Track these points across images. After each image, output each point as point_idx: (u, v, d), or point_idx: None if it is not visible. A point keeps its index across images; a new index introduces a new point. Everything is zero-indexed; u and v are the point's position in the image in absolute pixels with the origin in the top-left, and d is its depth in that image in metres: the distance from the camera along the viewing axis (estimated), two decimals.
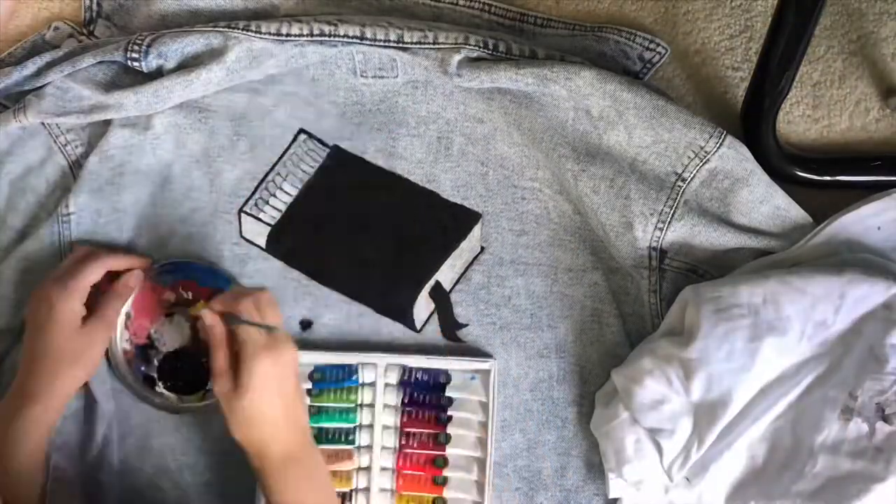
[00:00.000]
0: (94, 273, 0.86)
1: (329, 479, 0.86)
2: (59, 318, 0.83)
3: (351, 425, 0.91)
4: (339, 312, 0.94)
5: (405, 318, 0.93)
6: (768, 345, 0.83)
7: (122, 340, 0.92)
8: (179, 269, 0.93)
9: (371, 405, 0.92)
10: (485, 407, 0.92)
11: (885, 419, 0.82)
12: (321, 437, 0.91)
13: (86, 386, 0.91)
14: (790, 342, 0.84)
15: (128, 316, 0.92)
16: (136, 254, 0.92)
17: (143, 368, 0.92)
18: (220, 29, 0.91)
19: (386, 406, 0.92)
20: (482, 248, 0.94)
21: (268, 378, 0.79)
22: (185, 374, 0.92)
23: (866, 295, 0.84)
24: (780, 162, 0.93)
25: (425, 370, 0.92)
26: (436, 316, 0.94)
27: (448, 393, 0.92)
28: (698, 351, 0.84)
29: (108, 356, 0.92)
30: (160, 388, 0.92)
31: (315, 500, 0.83)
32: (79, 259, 0.87)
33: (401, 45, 0.91)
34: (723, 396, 0.84)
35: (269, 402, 0.80)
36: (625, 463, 0.87)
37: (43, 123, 0.92)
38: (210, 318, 0.82)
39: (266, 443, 0.80)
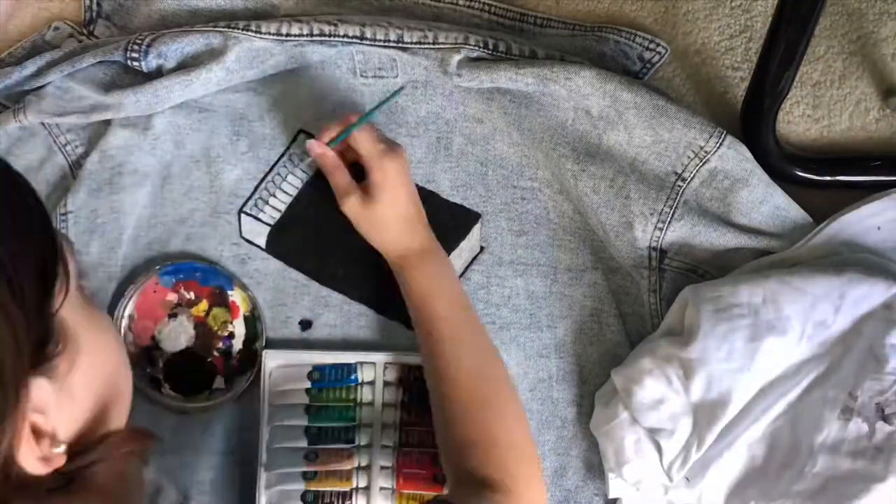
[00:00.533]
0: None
1: (454, 272, 0.91)
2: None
3: (350, 424, 0.91)
4: (339, 312, 0.94)
5: (405, 317, 0.93)
6: (768, 345, 0.83)
7: (125, 343, 0.92)
8: (181, 269, 0.93)
9: (370, 404, 0.92)
10: None
11: (885, 419, 0.82)
12: (321, 436, 0.91)
13: None
14: (790, 342, 0.84)
15: (131, 318, 0.92)
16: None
17: (147, 370, 0.92)
18: (220, 29, 0.91)
19: (385, 405, 0.92)
20: (482, 248, 0.94)
21: (398, 177, 0.86)
22: (190, 374, 0.92)
23: (866, 295, 0.83)
24: (780, 162, 0.93)
25: None
26: None
27: None
28: (698, 351, 0.84)
29: None
30: (166, 389, 0.92)
31: (446, 285, 0.88)
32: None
33: (401, 45, 0.91)
34: (722, 396, 0.84)
35: (404, 200, 0.87)
36: (625, 463, 0.87)
37: (43, 123, 0.92)
38: (316, 147, 0.88)
39: (406, 240, 0.87)
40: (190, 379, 0.92)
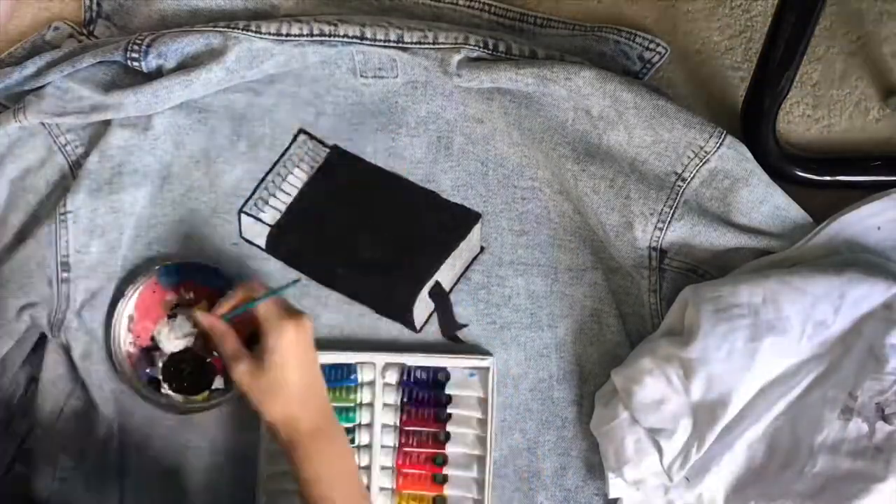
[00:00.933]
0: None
1: (352, 452, 0.86)
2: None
3: (350, 424, 0.91)
4: (338, 312, 0.94)
5: (405, 318, 0.93)
6: (768, 344, 0.83)
7: (125, 343, 0.92)
8: (180, 270, 0.93)
9: (370, 404, 0.92)
10: (484, 404, 0.92)
11: (885, 419, 0.82)
12: None
13: (85, 389, 0.92)
14: (790, 342, 0.84)
15: (130, 318, 0.92)
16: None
17: (147, 371, 0.92)
18: (220, 29, 0.91)
19: (385, 405, 0.92)
20: (482, 248, 0.94)
21: (292, 346, 0.80)
22: (189, 374, 0.92)
23: (866, 295, 0.83)
24: (780, 162, 0.93)
25: (424, 368, 0.92)
26: (436, 316, 0.94)
27: (447, 391, 0.92)
28: (698, 350, 0.84)
29: (112, 359, 0.92)
30: (165, 389, 0.92)
31: (342, 471, 0.83)
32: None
33: (401, 45, 0.91)
34: (722, 396, 0.84)
35: (296, 372, 0.80)
36: (625, 463, 0.87)
37: (43, 123, 0.92)
38: (203, 318, 0.84)
39: (296, 415, 0.80)
40: (190, 379, 0.92)
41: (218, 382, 0.92)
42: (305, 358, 0.81)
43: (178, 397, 0.92)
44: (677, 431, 0.85)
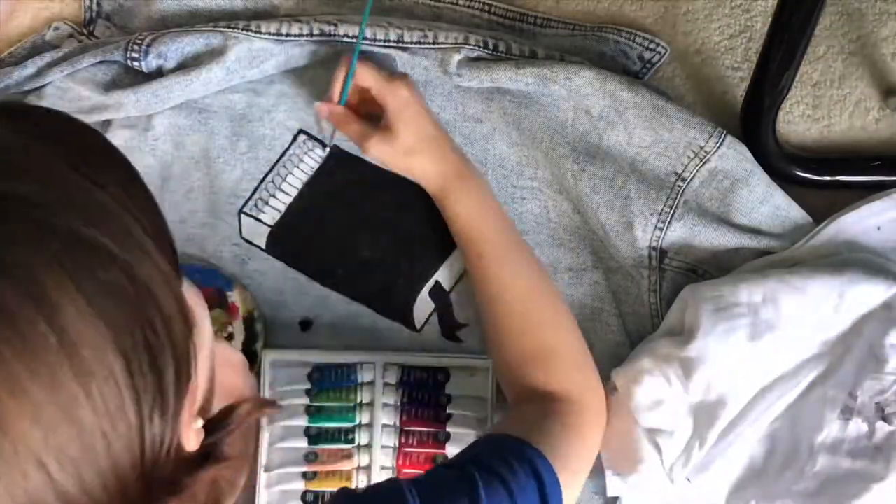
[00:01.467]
0: None
1: (492, 189, 0.90)
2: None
3: (350, 425, 0.91)
4: (339, 312, 0.94)
5: (405, 318, 0.93)
6: (768, 344, 0.83)
7: None
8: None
9: (370, 404, 0.91)
10: (484, 404, 0.92)
11: (885, 419, 0.82)
12: (321, 436, 0.91)
13: None
14: (790, 342, 0.84)
15: None
16: None
17: None
18: (220, 29, 0.91)
19: (385, 405, 0.92)
20: None
21: (412, 101, 0.85)
22: None
23: (866, 295, 0.83)
24: (780, 162, 0.93)
25: (424, 368, 0.92)
26: (436, 316, 0.94)
27: (447, 391, 0.92)
28: (697, 350, 0.84)
29: None
30: None
31: (492, 206, 0.88)
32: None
33: (401, 45, 0.91)
34: (722, 396, 0.84)
35: (424, 122, 0.86)
36: (625, 464, 0.87)
37: None
38: (323, 107, 0.88)
39: (440, 164, 0.86)
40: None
41: None
42: (424, 111, 0.86)
43: None
44: (677, 432, 0.85)
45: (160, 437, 0.44)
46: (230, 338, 0.92)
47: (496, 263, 0.85)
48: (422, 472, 0.90)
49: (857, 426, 0.83)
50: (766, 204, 0.91)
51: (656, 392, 0.85)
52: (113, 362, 0.41)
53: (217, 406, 0.55)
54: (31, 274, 0.39)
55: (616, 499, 0.91)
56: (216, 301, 0.92)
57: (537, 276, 0.86)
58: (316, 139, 0.95)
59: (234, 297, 0.92)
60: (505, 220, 0.88)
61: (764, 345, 0.83)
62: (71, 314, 0.40)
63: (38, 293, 0.39)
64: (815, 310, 0.83)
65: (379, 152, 0.86)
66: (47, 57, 0.92)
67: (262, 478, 0.89)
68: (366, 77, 0.86)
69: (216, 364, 0.55)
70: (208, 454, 0.50)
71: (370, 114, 0.89)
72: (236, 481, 0.54)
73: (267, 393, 0.91)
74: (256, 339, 0.92)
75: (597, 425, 0.82)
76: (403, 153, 0.86)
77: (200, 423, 0.51)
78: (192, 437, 0.49)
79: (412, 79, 0.88)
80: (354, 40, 0.91)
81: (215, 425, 0.52)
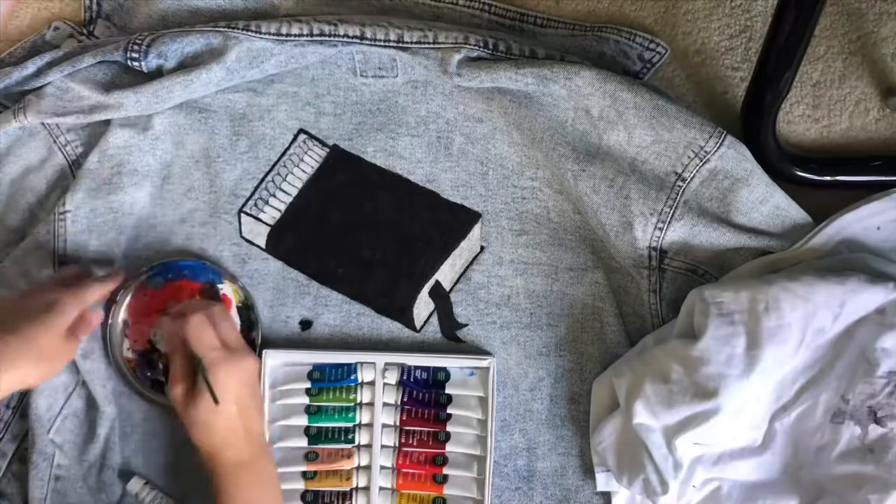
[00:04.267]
0: (97, 293, 0.87)
1: (279, 488, 0.88)
2: (57, 320, 0.83)
3: (350, 424, 0.91)
4: (339, 312, 0.94)
5: (405, 318, 0.94)
6: (768, 353, 0.83)
7: (123, 349, 0.92)
8: (168, 269, 0.93)
9: (370, 404, 0.92)
10: (484, 404, 0.92)
11: (878, 421, 0.82)
12: (321, 436, 0.91)
13: (86, 388, 0.92)
14: (789, 349, 0.83)
15: (125, 323, 0.92)
16: (113, 274, 0.91)
17: (148, 374, 0.92)
18: (220, 29, 0.91)
19: (385, 405, 0.92)
20: (482, 248, 0.94)
21: (221, 388, 0.82)
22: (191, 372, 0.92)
23: (864, 302, 0.83)
24: (780, 162, 0.93)
25: (424, 368, 0.92)
26: (436, 316, 0.94)
27: (447, 390, 0.92)
28: (700, 350, 0.84)
29: (116, 364, 0.92)
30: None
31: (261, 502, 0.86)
32: (82, 275, 0.89)
33: (401, 44, 0.91)
34: (718, 403, 0.83)
35: (225, 412, 0.83)
36: (624, 473, 0.87)
37: (43, 123, 0.92)
38: (167, 324, 0.87)
39: (219, 448, 0.84)
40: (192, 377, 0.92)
41: None
42: (237, 399, 0.84)
43: None
44: (675, 438, 0.85)
45: None
46: None
47: None
48: (422, 471, 0.90)
49: (850, 429, 0.83)
50: (766, 204, 0.91)
51: (655, 398, 0.85)
52: None
53: None
54: None
55: (611, 494, 0.92)
56: (208, 295, 0.92)
57: None
58: (316, 139, 0.95)
59: (225, 288, 0.92)
60: None
61: (764, 354, 0.83)
62: None
63: None
64: (816, 318, 0.83)
65: (174, 402, 0.85)
66: (47, 57, 0.92)
67: None
68: (200, 343, 0.84)
69: None
70: None
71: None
72: None
73: (267, 393, 0.91)
74: (254, 326, 0.92)
75: None
76: (193, 423, 0.84)
77: None
78: None
79: (254, 365, 0.86)
80: (354, 40, 0.91)
81: None
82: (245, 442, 0.85)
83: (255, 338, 0.92)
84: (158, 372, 0.92)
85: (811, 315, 0.83)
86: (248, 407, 0.85)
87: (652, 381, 0.85)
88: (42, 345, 0.81)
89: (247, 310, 0.92)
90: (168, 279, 0.93)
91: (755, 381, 0.83)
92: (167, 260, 0.93)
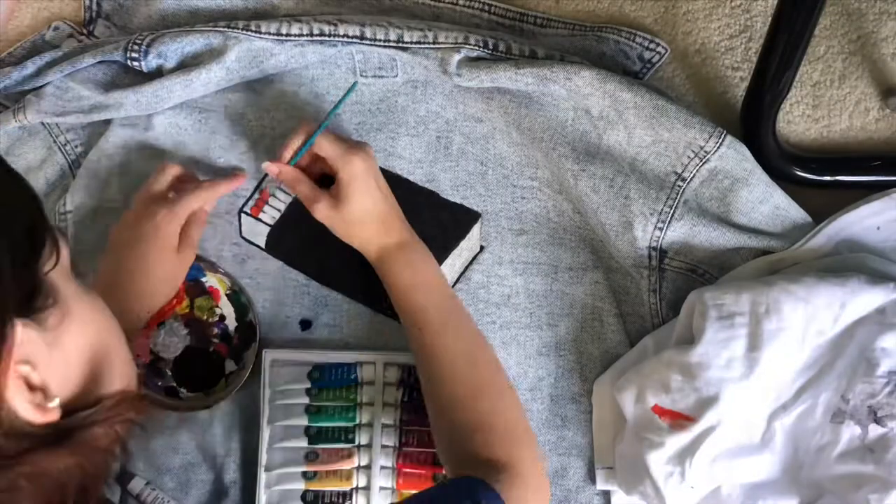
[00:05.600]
0: (196, 201, 0.89)
1: (435, 261, 0.89)
2: (163, 239, 0.86)
3: (351, 424, 0.91)
4: (338, 312, 0.94)
5: None
6: (768, 354, 0.82)
7: None
8: None
9: (371, 404, 0.91)
10: None
11: (878, 421, 0.82)
12: (321, 436, 0.91)
13: None
14: (790, 351, 0.83)
15: None
16: (225, 177, 0.93)
17: (159, 384, 0.92)
18: (220, 29, 0.91)
19: (385, 404, 0.92)
20: (482, 248, 0.94)
21: (365, 176, 0.86)
22: (199, 370, 0.92)
23: (864, 303, 0.83)
24: (780, 162, 0.93)
25: None
26: None
27: None
28: (699, 356, 0.83)
29: None
30: (184, 393, 0.92)
31: (430, 278, 0.87)
32: (178, 179, 0.90)
33: (401, 44, 0.91)
34: (719, 405, 0.83)
35: (374, 197, 0.86)
36: (630, 482, 0.87)
37: (43, 123, 0.92)
38: (273, 167, 0.88)
39: (380, 237, 0.87)
40: (201, 374, 0.92)
41: (229, 365, 0.92)
42: (376, 185, 0.86)
43: (199, 395, 0.92)
44: (674, 444, 0.84)
45: None
46: (222, 318, 0.93)
47: (435, 334, 0.84)
48: (422, 471, 0.90)
49: (851, 429, 0.82)
50: (766, 204, 0.91)
51: (655, 404, 0.84)
52: None
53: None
54: None
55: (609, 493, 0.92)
56: (196, 291, 0.93)
57: (477, 348, 0.85)
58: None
59: (210, 280, 0.92)
60: (444, 292, 0.88)
61: (764, 355, 0.83)
62: None
63: None
64: (816, 319, 0.83)
65: (325, 218, 0.87)
66: (47, 57, 0.92)
67: (262, 477, 0.89)
68: (324, 147, 0.86)
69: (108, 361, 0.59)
70: (64, 437, 0.53)
71: (320, 173, 0.89)
72: (98, 476, 0.56)
73: (267, 392, 0.91)
74: (246, 309, 0.92)
75: (535, 500, 0.80)
76: (348, 223, 0.87)
77: (55, 402, 0.53)
78: (23, 403, 0.51)
79: (370, 148, 0.87)
80: (354, 40, 0.91)
81: (77, 408, 0.55)
82: (399, 221, 0.88)
83: (251, 320, 0.92)
84: (169, 378, 0.92)
85: (812, 317, 0.83)
86: (387, 188, 0.88)
87: (654, 394, 0.84)
88: (163, 270, 0.86)
89: (236, 295, 0.92)
90: None
91: (754, 384, 0.83)
92: None
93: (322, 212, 0.86)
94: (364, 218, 0.86)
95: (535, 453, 0.81)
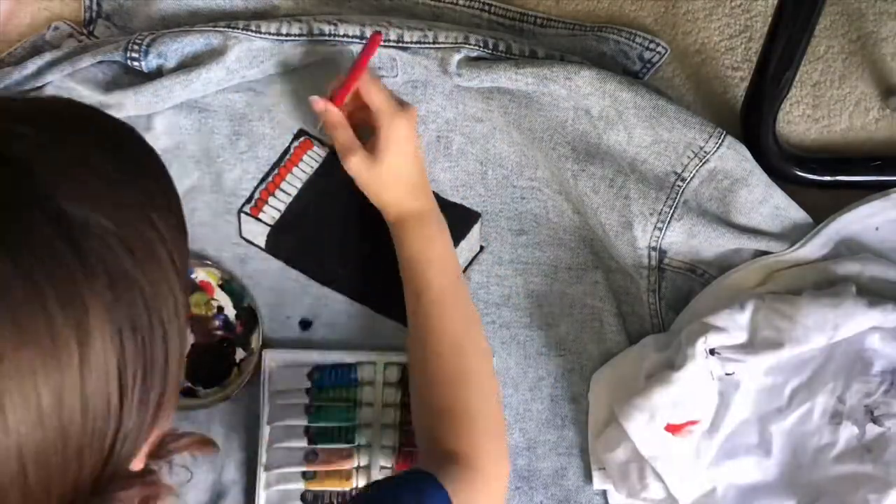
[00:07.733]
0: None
1: (450, 239, 0.89)
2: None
3: (350, 424, 0.91)
4: (338, 312, 0.94)
5: (405, 318, 0.93)
6: (759, 364, 0.83)
7: None
8: None
9: (370, 404, 0.92)
10: None
11: (875, 420, 0.82)
12: (321, 436, 0.91)
13: None
14: (778, 369, 0.84)
15: None
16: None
17: None
18: (220, 29, 0.91)
19: (385, 405, 0.92)
20: (481, 248, 0.94)
21: (405, 139, 0.85)
22: (209, 365, 0.92)
23: (859, 324, 0.83)
24: (780, 162, 0.93)
25: None
26: None
27: None
28: (682, 381, 0.83)
29: None
30: (201, 392, 0.92)
31: (441, 253, 0.87)
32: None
33: (401, 44, 0.91)
34: (715, 417, 0.83)
35: (409, 163, 0.86)
36: (631, 491, 0.87)
37: None
38: (321, 103, 0.86)
39: (404, 201, 0.87)
40: (211, 368, 0.92)
41: (239, 353, 0.92)
42: (414, 152, 0.86)
43: (215, 389, 0.92)
44: (677, 457, 0.84)
45: (130, 440, 0.49)
46: (220, 309, 0.93)
47: (432, 306, 0.84)
48: None
49: (848, 430, 0.82)
50: (766, 204, 0.91)
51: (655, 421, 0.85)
52: (110, 365, 0.47)
53: None
54: (80, 301, 0.45)
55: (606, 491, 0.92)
56: (190, 289, 0.92)
57: (470, 332, 0.85)
58: (316, 139, 0.95)
59: (200, 275, 0.92)
60: (451, 267, 0.87)
61: (756, 366, 0.83)
62: (96, 338, 0.46)
63: (80, 319, 0.45)
64: (809, 342, 0.83)
65: (355, 171, 0.86)
66: (47, 57, 0.92)
67: (262, 477, 0.89)
68: (374, 96, 0.85)
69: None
70: (142, 476, 0.54)
71: (360, 124, 0.88)
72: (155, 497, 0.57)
73: (267, 392, 0.91)
74: (242, 295, 0.92)
75: (487, 494, 0.78)
76: (377, 181, 0.86)
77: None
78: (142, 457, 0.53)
79: (415, 114, 0.87)
80: (354, 40, 0.91)
81: (157, 451, 0.56)
82: (425, 191, 0.88)
83: (249, 305, 0.92)
84: (182, 381, 0.92)
85: (803, 337, 0.83)
86: (421, 160, 0.88)
87: (640, 411, 0.84)
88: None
89: (229, 284, 0.92)
90: None
91: (748, 391, 0.83)
92: None
93: (355, 164, 0.85)
94: (395, 180, 0.86)
95: (502, 451, 0.81)
